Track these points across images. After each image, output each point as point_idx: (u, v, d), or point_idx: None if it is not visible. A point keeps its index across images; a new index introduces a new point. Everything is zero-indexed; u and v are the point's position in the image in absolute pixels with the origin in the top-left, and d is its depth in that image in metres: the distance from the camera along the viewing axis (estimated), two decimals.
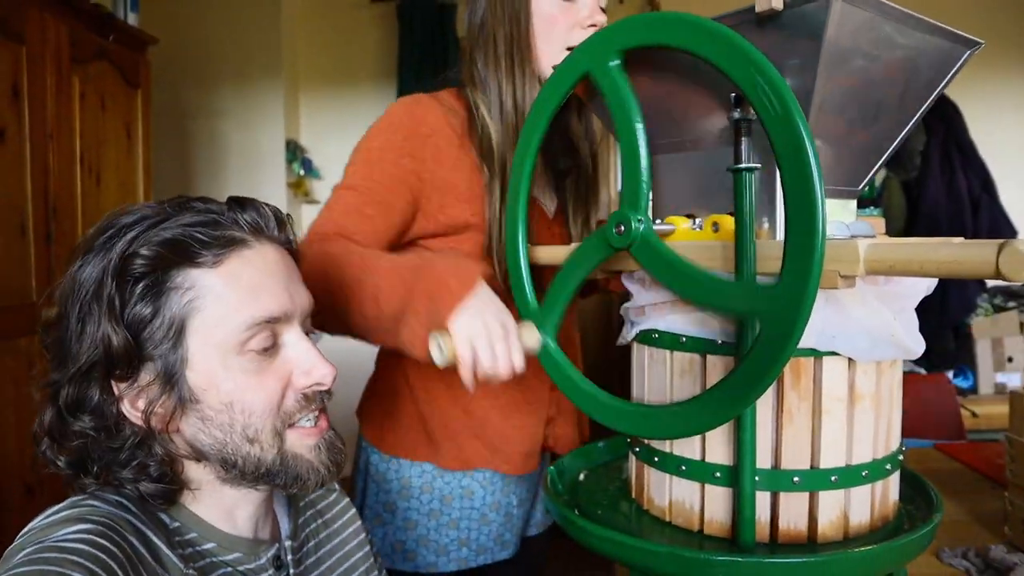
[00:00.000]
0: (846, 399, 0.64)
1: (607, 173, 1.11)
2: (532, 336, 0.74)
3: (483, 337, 0.71)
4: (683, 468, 0.68)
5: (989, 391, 2.61)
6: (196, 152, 3.24)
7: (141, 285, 0.58)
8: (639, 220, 0.62)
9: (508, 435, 1.01)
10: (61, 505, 0.59)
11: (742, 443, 0.63)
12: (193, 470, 0.64)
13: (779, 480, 0.64)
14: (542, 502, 1.14)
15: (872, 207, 2.73)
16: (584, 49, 0.67)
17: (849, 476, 0.64)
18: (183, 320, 0.59)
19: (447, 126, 0.96)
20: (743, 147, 0.59)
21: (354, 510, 0.85)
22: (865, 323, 0.62)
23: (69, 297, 0.60)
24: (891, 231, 2.68)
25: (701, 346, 0.66)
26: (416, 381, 1.02)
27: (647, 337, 0.72)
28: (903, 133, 0.72)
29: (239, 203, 0.64)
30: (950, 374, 2.59)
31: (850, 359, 0.63)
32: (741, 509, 0.64)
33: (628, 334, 0.76)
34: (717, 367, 0.66)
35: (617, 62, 0.64)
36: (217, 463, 0.62)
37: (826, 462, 0.64)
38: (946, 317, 2.62)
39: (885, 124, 0.70)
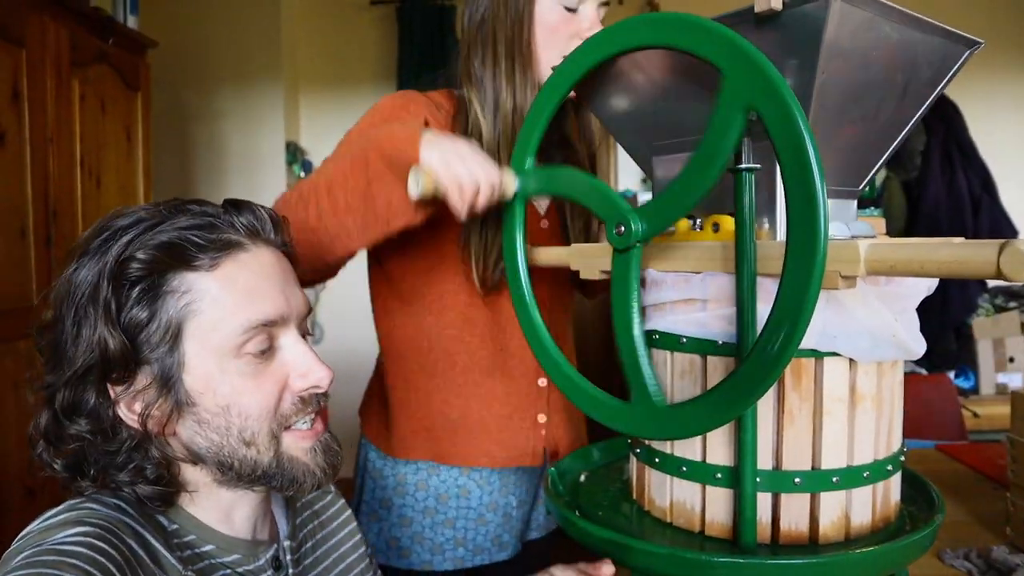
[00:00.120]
0: (847, 400, 0.64)
1: (606, 175, 1.11)
2: (509, 179, 0.75)
3: (454, 155, 0.74)
4: (684, 469, 0.68)
5: (990, 391, 2.61)
6: (196, 154, 3.25)
7: (137, 289, 0.58)
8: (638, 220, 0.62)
9: (495, 429, 1.01)
10: (59, 508, 0.59)
11: (743, 444, 0.62)
12: (190, 472, 0.64)
13: (780, 481, 0.64)
14: (544, 505, 1.13)
15: (872, 207, 2.73)
16: (587, 48, 0.67)
17: (850, 477, 0.64)
18: (179, 324, 0.59)
19: (430, 117, 0.97)
20: (743, 147, 0.59)
21: (349, 511, 0.85)
22: (866, 323, 0.62)
23: (64, 300, 0.60)
24: (891, 231, 2.68)
25: (701, 347, 0.66)
26: (411, 378, 1.03)
27: (647, 338, 0.72)
28: (903, 133, 0.72)
29: (235, 206, 0.64)
30: (951, 374, 2.59)
31: (851, 360, 0.63)
32: (742, 510, 0.63)
33: None
34: (717, 368, 0.65)
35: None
36: (213, 466, 0.62)
37: (827, 463, 0.64)
38: (947, 317, 2.62)
39: (885, 124, 0.70)
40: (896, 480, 0.70)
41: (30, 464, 0.64)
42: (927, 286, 0.66)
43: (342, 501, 0.85)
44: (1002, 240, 0.47)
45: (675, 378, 0.69)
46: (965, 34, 0.67)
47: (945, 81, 0.70)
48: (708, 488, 0.67)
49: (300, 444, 0.64)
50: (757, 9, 0.59)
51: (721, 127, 0.55)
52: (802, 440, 0.64)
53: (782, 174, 0.51)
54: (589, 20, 0.95)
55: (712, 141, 0.56)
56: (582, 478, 0.86)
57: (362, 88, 3.40)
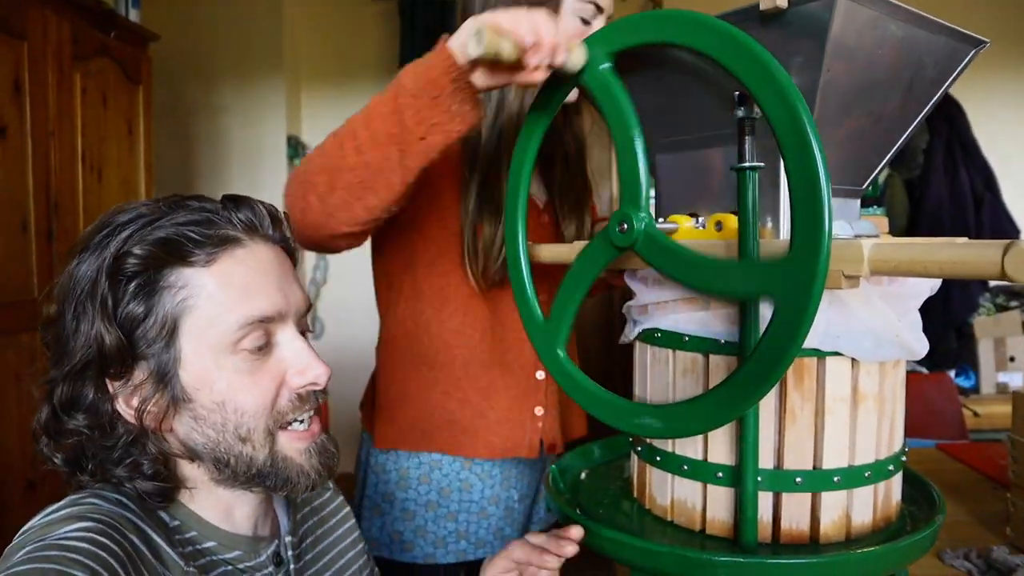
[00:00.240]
0: (849, 400, 0.64)
1: (602, 167, 1.11)
2: (578, 49, 0.64)
3: (513, 15, 0.64)
4: (685, 468, 0.68)
5: (991, 391, 2.61)
6: (198, 148, 3.24)
7: (134, 284, 0.58)
8: (641, 217, 0.61)
9: (493, 421, 1.02)
10: (61, 503, 0.59)
11: (745, 443, 0.62)
12: (188, 469, 0.64)
13: (781, 480, 0.64)
14: (541, 496, 1.14)
15: (875, 206, 2.72)
16: (590, 43, 0.67)
17: (852, 477, 0.64)
18: (176, 319, 0.59)
19: None
20: (747, 146, 0.59)
21: (348, 508, 0.85)
22: (869, 323, 0.62)
23: (66, 295, 0.60)
24: (894, 230, 2.68)
25: (704, 346, 0.66)
26: (411, 371, 1.03)
27: (650, 336, 0.72)
28: (907, 132, 0.72)
29: (234, 201, 0.64)
30: (952, 373, 2.58)
31: (853, 359, 0.63)
32: (743, 509, 0.63)
33: (630, 333, 0.76)
34: (720, 367, 0.65)
35: (608, 65, 0.63)
36: (210, 462, 0.62)
37: (829, 463, 0.64)
38: (949, 317, 2.62)
39: (890, 122, 0.70)
40: (897, 480, 0.70)
41: (33, 458, 0.64)
42: (930, 286, 0.66)
43: (341, 498, 0.85)
44: (1007, 241, 0.47)
45: (677, 377, 0.69)
46: (971, 33, 0.67)
47: (950, 80, 0.70)
48: (709, 487, 0.67)
49: (295, 444, 0.64)
50: (762, 7, 0.59)
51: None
52: (803, 440, 0.64)
53: (787, 173, 0.51)
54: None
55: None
56: (583, 476, 0.86)
57: (364, 83, 3.39)
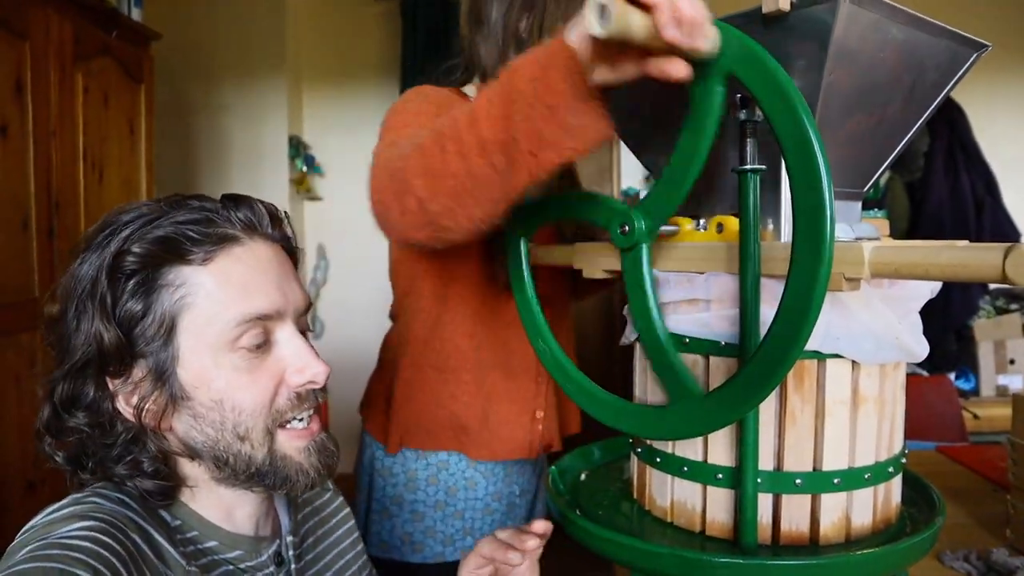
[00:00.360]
0: (849, 402, 0.64)
1: (602, 167, 1.11)
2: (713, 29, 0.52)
3: None
4: (685, 469, 0.68)
5: (991, 393, 2.61)
6: (199, 148, 3.25)
7: (132, 282, 0.59)
8: (642, 219, 0.62)
9: (496, 424, 1.03)
10: (63, 502, 0.59)
11: (744, 445, 0.63)
12: (188, 468, 0.64)
13: (781, 482, 0.64)
14: (541, 492, 1.16)
15: (876, 208, 2.72)
16: None
17: (851, 479, 0.64)
18: (174, 317, 0.59)
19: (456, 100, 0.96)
20: (748, 148, 0.59)
21: (348, 509, 0.85)
22: (870, 326, 0.62)
23: (68, 294, 0.61)
24: (895, 232, 2.68)
25: (704, 348, 0.66)
26: (409, 374, 1.03)
27: None
28: (909, 135, 0.72)
29: (233, 200, 0.64)
30: (952, 376, 2.59)
31: (854, 362, 0.63)
32: (743, 511, 0.63)
33: (631, 335, 0.76)
34: (720, 369, 0.65)
35: None
36: (210, 461, 0.63)
37: (828, 464, 0.64)
38: (949, 319, 2.62)
39: (891, 125, 0.70)
40: (897, 482, 0.70)
41: (35, 458, 0.64)
42: (931, 289, 0.66)
43: (340, 499, 0.85)
44: (1008, 244, 0.47)
45: None
46: (972, 36, 0.67)
47: (952, 83, 0.70)
48: (709, 488, 0.67)
49: (294, 443, 0.64)
50: (765, 10, 0.59)
51: (702, 100, 0.54)
52: (803, 441, 0.64)
53: (789, 176, 0.51)
54: None
55: (698, 117, 0.55)
56: (583, 477, 0.86)
57: (365, 83, 3.40)
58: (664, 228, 0.68)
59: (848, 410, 0.64)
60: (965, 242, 0.55)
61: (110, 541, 0.54)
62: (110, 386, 0.61)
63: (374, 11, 3.36)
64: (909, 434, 0.71)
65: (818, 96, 0.60)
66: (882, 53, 0.62)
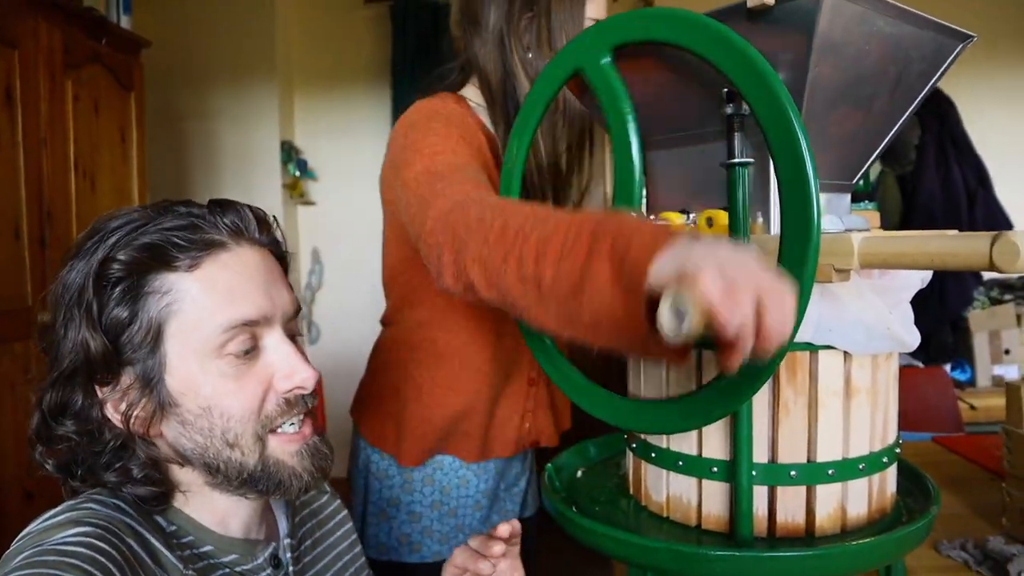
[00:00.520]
0: (842, 393, 0.64)
1: (601, 171, 1.11)
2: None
3: (727, 265, 0.44)
4: (680, 463, 0.68)
5: (987, 384, 2.61)
6: (191, 154, 3.24)
7: (118, 290, 0.59)
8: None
9: (487, 425, 1.04)
10: (58, 509, 0.59)
11: (739, 438, 0.63)
12: (181, 473, 0.64)
13: (776, 474, 0.64)
14: (532, 487, 1.17)
15: (867, 201, 2.73)
16: (576, 45, 0.67)
17: (846, 469, 0.65)
18: (160, 324, 0.59)
19: (473, 122, 0.96)
20: (736, 142, 0.59)
21: (346, 511, 0.85)
22: (861, 316, 0.62)
23: (57, 301, 0.61)
24: (887, 225, 2.68)
25: (696, 342, 0.66)
26: (409, 380, 1.03)
27: None
28: (896, 127, 0.72)
29: (220, 206, 0.64)
30: (948, 367, 2.59)
31: (846, 353, 0.63)
32: (738, 503, 0.64)
33: None
34: (713, 363, 0.66)
35: (608, 59, 0.64)
36: (201, 467, 0.62)
37: (823, 456, 0.64)
38: (944, 311, 2.62)
39: (878, 117, 0.70)
40: (892, 472, 0.70)
41: (29, 465, 0.64)
42: (921, 279, 0.67)
43: (338, 501, 0.85)
44: (995, 232, 0.47)
45: (671, 373, 0.69)
46: (958, 28, 0.67)
47: (938, 75, 0.70)
48: (704, 482, 0.67)
49: (286, 447, 0.64)
50: (750, 4, 0.59)
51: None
52: (797, 433, 0.64)
53: (775, 169, 0.51)
54: None
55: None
56: (579, 474, 0.86)
57: (357, 87, 3.39)
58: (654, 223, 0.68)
59: (841, 401, 0.64)
60: (954, 231, 0.56)
61: (105, 546, 0.54)
62: (99, 394, 0.61)
63: (364, 15, 3.36)
64: (905, 426, 0.72)
65: (804, 89, 0.60)
66: (867, 45, 0.62)
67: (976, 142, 2.74)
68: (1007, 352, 2.63)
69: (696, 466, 0.67)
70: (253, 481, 0.63)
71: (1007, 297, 2.71)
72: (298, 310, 0.68)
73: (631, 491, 0.77)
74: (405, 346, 1.05)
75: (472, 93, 1.02)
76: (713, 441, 0.66)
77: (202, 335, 0.59)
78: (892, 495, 0.71)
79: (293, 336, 0.67)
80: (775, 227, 0.65)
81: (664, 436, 0.70)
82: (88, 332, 0.58)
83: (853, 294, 0.62)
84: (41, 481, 1.84)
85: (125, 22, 2.36)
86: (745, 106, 0.58)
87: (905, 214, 2.74)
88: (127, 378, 0.60)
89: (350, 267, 3.34)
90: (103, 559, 0.53)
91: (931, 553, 0.89)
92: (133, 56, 2.41)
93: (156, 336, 0.59)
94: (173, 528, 0.63)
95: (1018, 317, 2.65)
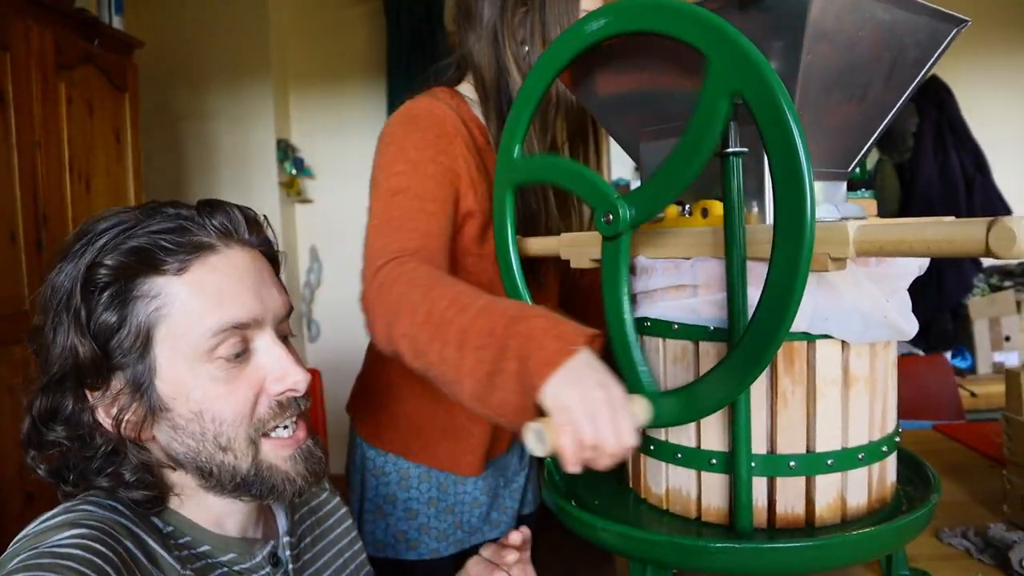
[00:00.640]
0: (840, 382, 0.64)
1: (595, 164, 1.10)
2: (643, 410, 0.62)
3: (583, 412, 0.60)
4: (679, 456, 0.68)
5: (987, 370, 2.61)
6: (187, 154, 3.23)
7: (106, 295, 0.58)
8: (626, 207, 0.61)
9: (479, 431, 1.02)
10: (55, 511, 0.59)
11: (737, 429, 0.62)
12: (175, 476, 0.64)
13: (775, 465, 0.64)
14: (532, 483, 1.16)
15: (865, 189, 2.72)
16: (569, 35, 0.67)
17: (845, 459, 0.64)
18: (149, 329, 0.59)
19: (463, 127, 0.96)
20: (730, 131, 0.59)
21: (345, 508, 0.85)
22: (857, 305, 0.62)
23: (45, 305, 0.60)
24: (886, 213, 2.68)
25: (693, 333, 0.66)
26: (404, 378, 1.03)
27: (639, 325, 0.72)
28: (892, 114, 0.72)
29: (209, 207, 0.63)
30: (948, 355, 2.59)
31: (843, 342, 0.63)
32: (738, 495, 0.63)
33: None
34: (710, 354, 0.65)
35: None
36: (194, 471, 0.62)
37: (822, 446, 0.64)
38: (943, 298, 2.62)
39: (873, 104, 0.69)
40: (891, 461, 0.70)
41: (21, 468, 0.64)
42: (918, 266, 0.66)
43: (338, 499, 0.85)
44: (991, 218, 0.47)
45: (668, 365, 0.69)
46: (951, 12, 0.67)
47: (932, 60, 0.70)
48: (703, 474, 0.67)
49: (279, 452, 0.63)
50: None
51: (707, 113, 0.55)
52: (796, 423, 0.64)
53: (768, 158, 0.51)
54: None
55: (698, 128, 0.56)
56: None
57: (352, 83, 3.38)
58: None
59: (839, 390, 0.64)
60: (951, 218, 0.55)
61: (102, 548, 0.54)
62: (89, 398, 0.60)
63: (358, 11, 3.35)
64: (906, 414, 0.71)
65: (797, 77, 0.59)
66: (860, 32, 0.61)
67: (974, 128, 2.74)
68: (1007, 339, 2.62)
69: (695, 458, 0.67)
70: (247, 485, 0.62)
71: (1007, 284, 2.71)
72: (290, 311, 0.67)
73: (630, 484, 0.77)
74: None
75: (468, 89, 1.02)
76: (711, 433, 0.66)
77: (191, 339, 0.59)
78: (892, 484, 0.70)
79: (285, 337, 0.66)
80: (770, 217, 0.64)
81: (662, 428, 0.70)
82: (77, 337, 0.57)
83: (849, 282, 0.62)
84: (41, 483, 1.84)
85: (117, 23, 2.35)
86: (737, 96, 0.58)
87: (903, 202, 2.74)
88: (117, 383, 0.60)
89: (348, 264, 3.32)
90: (99, 561, 0.53)
91: (932, 541, 0.89)
92: (126, 56, 2.41)
93: (145, 341, 0.59)
94: (170, 529, 0.63)
95: (1018, 304, 2.64)
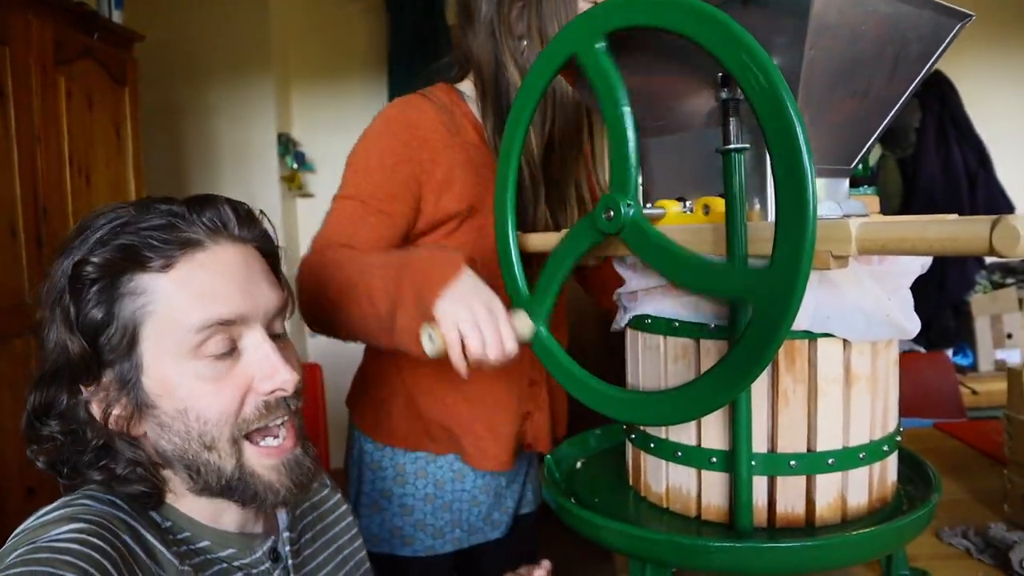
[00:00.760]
0: (842, 381, 0.63)
1: (600, 161, 1.10)
2: (524, 324, 0.73)
3: (469, 321, 0.72)
4: (679, 454, 0.68)
5: (989, 368, 2.61)
6: (188, 149, 3.22)
7: (93, 291, 0.58)
8: (628, 204, 0.61)
9: (484, 428, 1.02)
10: (53, 505, 0.59)
11: (738, 428, 0.62)
12: (167, 473, 0.64)
13: (776, 464, 0.64)
14: (532, 482, 1.16)
15: (867, 185, 2.71)
16: (570, 31, 0.66)
17: (846, 458, 0.64)
18: (136, 325, 0.59)
19: (441, 125, 0.95)
20: (731, 127, 0.58)
21: (347, 506, 0.85)
22: (859, 303, 0.61)
23: (43, 300, 0.60)
24: (888, 209, 2.67)
25: (694, 331, 0.65)
26: (404, 371, 1.03)
27: (640, 323, 0.72)
28: (895, 110, 0.71)
29: (199, 203, 0.63)
30: (950, 352, 2.58)
31: (845, 340, 0.63)
32: (738, 494, 0.63)
33: (621, 320, 0.75)
34: (711, 352, 0.65)
35: (603, 44, 0.62)
36: (182, 470, 0.62)
37: (823, 445, 0.63)
38: (945, 295, 2.62)
39: (876, 100, 0.69)
40: (892, 460, 0.69)
41: (23, 462, 0.64)
42: (920, 264, 0.66)
43: (339, 495, 0.85)
44: (994, 216, 0.46)
45: (669, 362, 0.69)
46: (955, 7, 0.66)
47: (936, 55, 0.69)
48: (704, 472, 0.67)
49: (263, 461, 0.62)
50: None
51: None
52: (797, 422, 0.63)
53: (770, 154, 0.50)
54: None
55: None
56: (579, 465, 0.86)
57: (353, 77, 3.37)
58: (650, 211, 0.67)
59: (841, 389, 0.63)
60: (954, 216, 0.55)
61: (100, 543, 0.54)
62: (83, 393, 0.60)
63: (359, 6, 3.34)
64: (906, 412, 0.71)
65: (800, 73, 0.59)
66: (863, 26, 0.61)
67: (977, 124, 2.73)
68: (1009, 336, 2.62)
69: (695, 456, 0.67)
70: (231, 489, 0.62)
71: (1009, 281, 2.70)
72: (284, 307, 0.66)
73: (631, 482, 0.77)
74: None
75: (467, 87, 1.02)
76: (712, 431, 0.66)
77: (176, 336, 0.59)
78: (893, 483, 0.70)
79: (276, 334, 0.65)
80: (772, 214, 0.64)
81: (663, 427, 0.69)
82: (66, 334, 0.58)
83: (851, 281, 0.61)
84: (42, 477, 1.84)
85: (117, 16, 2.35)
86: (740, 91, 0.57)
87: (906, 197, 2.73)
88: (107, 378, 0.60)
89: None
90: (97, 555, 0.52)
91: (932, 540, 0.88)
92: (126, 50, 2.40)
93: (132, 338, 0.59)
94: (168, 524, 0.63)
95: (1020, 301, 2.64)
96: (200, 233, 0.61)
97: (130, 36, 2.40)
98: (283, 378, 0.62)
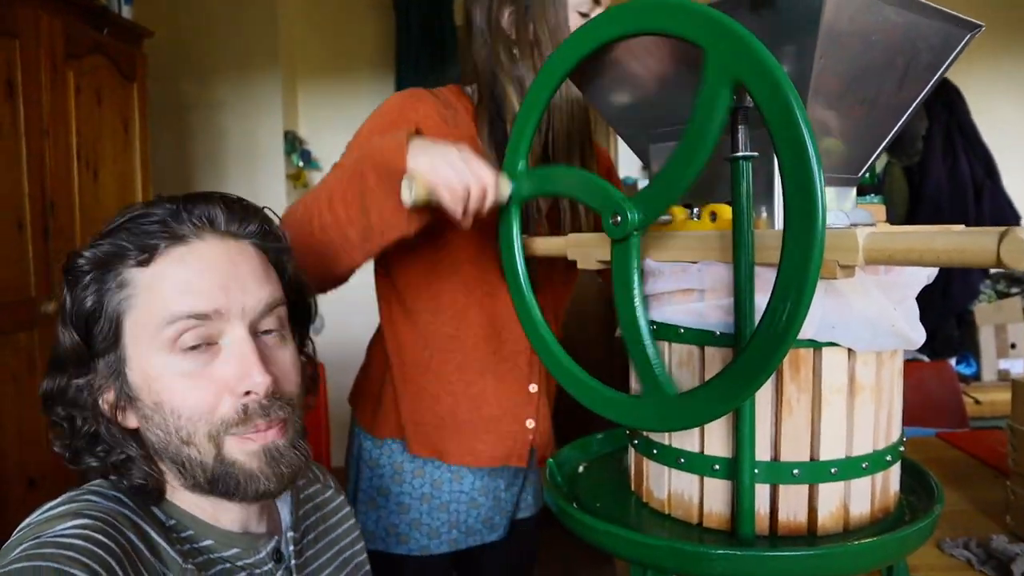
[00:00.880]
0: (846, 390, 0.63)
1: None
2: (502, 183, 0.75)
3: (444, 163, 0.75)
4: (682, 460, 0.68)
5: (992, 378, 2.60)
6: (195, 144, 3.23)
7: (85, 283, 0.61)
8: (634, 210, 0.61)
9: (482, 430, 1.02)
10: (58, 500, 0.59)
11: (741, 435, 0.62)
12: (162, 467, 0.64)
13: (778, 472, 0.63)
14: (532, 486, 1.15)
15: (874, 194, 2.71)
16: (579, 36, 0.66)
17: (849, 468, 0.64)
18: (119, 317, 0.61)
19: (436, 115, 0.96)
20: (740, 135, 0.58)
21: (349, 507, 0.85)
22: (865, 313, 0.61)
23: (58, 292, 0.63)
24: (894, 218, 2.67)
25: (699, 338, 0.65)
26: (406, 372, 1.03)
27: None
28: (903, 119, 0.71)
29: (192, 199, 0.64)
30: (953, 361, 2.58)
31: (850, 350, 0.63)
32: (740, 502, 0.63)
33: None
34: (715, 359, 0.65)
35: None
36: (168, 464, 0.62)
37: (826, 454, 0.63)
38: (949, 304, 2.61)
39: (884, 109, 0.69)
40: (895, 470, 0.69)
41: (23, 456, 0.65)
42: (927, 275, 0.66)
43: (342, 497, 0.85)
44: (1003, 228, 0.46)
45: (673, 369, 0.69)
46: (966, 17, 0.66)
47: (946, 65, 0.69)
48: (706, 479, 0.67)
49: (242, 447, 0.61)
50: None
51: (707, 103, 0.54)
52: (800, 431, 0.63)
53: (779, 162, 0.50)
54: None
55: (700, 119, 0.55)
56: (581, 469, 0.86)
57: (361, 76, 3.38)
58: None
59: (845, 399, 0.63)
60: (961, 227, 0.55)
61: (105, 539, 0.54)
62: (80, 380, 0.62)
63: (367, 3, 3.34)
64: (910, 421, 0.71)
65: (809, 81, 0.59)
66: (873, 36, 0.61)
67: (984, 132, 2.72)
68: (1013, 346, 2.61)
69: (698, 463, 0.67)
70: (215, 482, 0.61)
71: (1014, 291, 2.69)
72: (275, 305, 0.65)
73: (633, 487, 0.77)
74: (389, 337, 1.05)
75: (473, 90, 1.03)
76: (715, 438, 0.66)
77: (151, 329, 0.60)
78: (895, 494, 0.70)
79: (261, 332, 0.64)
80: (779, 222, 0.64)
81: (666, 433, 0.69)
82: (63, 326, 0.61)
83: (858, 291, 0.61)
84: (44, 469, 1.85)
85: (127, 12, 2.35)
86: (749, 99, 0.57)
87: (912, 206, 2.72)
88: (100, 368, 0.62)
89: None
90: (101, 552, 0.53)
91: (934, 552, 0.88)
92: (135, 46, 2.41)
93: (116, 330, 0.61)
94: (172, 522, 0.63)
95: None
96: (186, 229, 0.62)
97: (139, 32, 2.41)
98: (254, 380, 0.60)
